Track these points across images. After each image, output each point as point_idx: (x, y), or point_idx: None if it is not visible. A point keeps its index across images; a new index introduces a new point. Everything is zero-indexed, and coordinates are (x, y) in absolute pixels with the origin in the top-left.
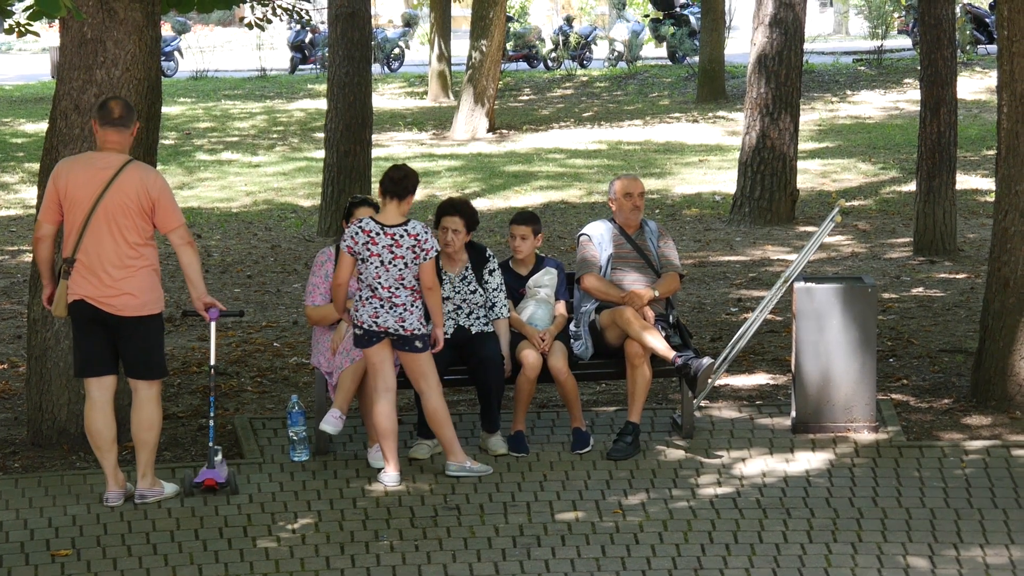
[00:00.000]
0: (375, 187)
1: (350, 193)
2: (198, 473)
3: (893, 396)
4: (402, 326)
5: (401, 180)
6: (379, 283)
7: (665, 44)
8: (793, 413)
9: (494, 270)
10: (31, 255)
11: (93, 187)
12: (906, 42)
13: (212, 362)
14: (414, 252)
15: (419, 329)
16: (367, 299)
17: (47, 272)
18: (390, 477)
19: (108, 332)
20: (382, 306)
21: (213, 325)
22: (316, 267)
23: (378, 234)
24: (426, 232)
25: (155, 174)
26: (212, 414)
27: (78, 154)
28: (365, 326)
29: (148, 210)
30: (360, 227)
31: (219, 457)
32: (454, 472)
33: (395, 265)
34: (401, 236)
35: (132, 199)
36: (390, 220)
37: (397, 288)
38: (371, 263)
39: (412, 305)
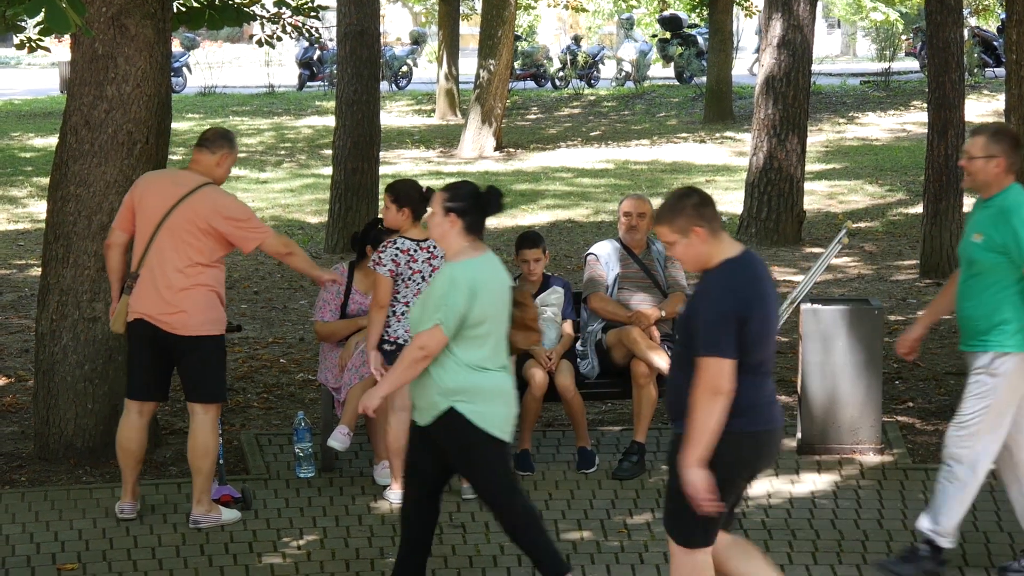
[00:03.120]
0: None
1: (357, 210)
2: (213, 490)
3: (899, 418)
4: None
5: (427, 196)
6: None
7: (673, 64)
8: (799, 434)
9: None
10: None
11: (164, 202)
12: (913, 64)
13: None
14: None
15: None
16: (403, 314)
17: (116, 283)
18: (397, 495)
19: (165, 354)
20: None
21: None
22: (324, 283)
23: (415, 251)
24: None
25: (231, 198)
26: (220, 431)
27: (161, 169)
28: (401, 340)
29: (219, 232)
30: (397, 248)
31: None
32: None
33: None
34: (434, 248)
35: (200, 219)
36: (419, 235)
37: None
38: (414, 280)
39: None
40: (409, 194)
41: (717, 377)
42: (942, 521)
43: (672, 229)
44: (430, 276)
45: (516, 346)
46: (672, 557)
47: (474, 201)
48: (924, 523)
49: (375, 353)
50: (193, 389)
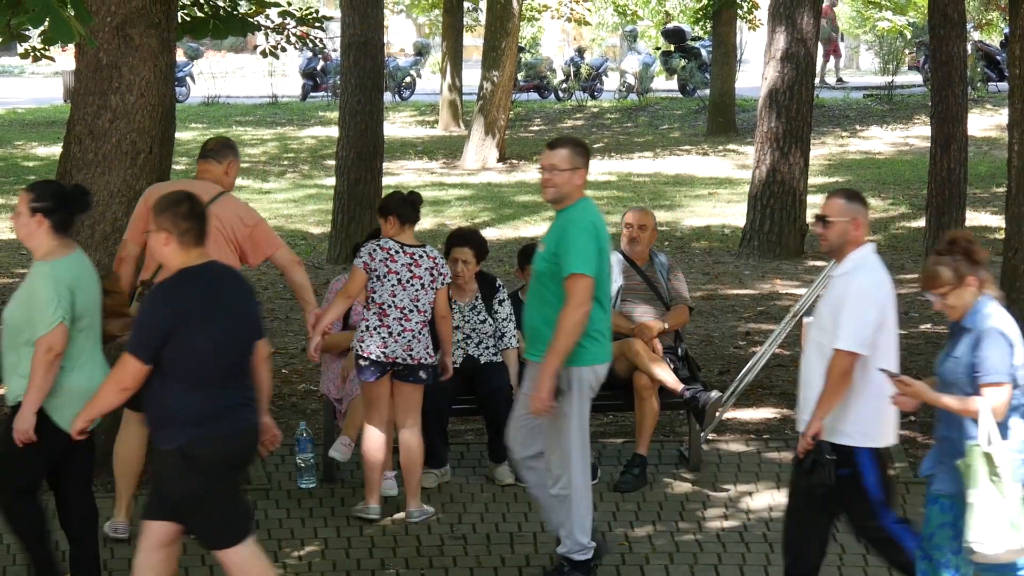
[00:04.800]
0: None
1: (360, 221)
2: None
3: (900, 432)
4: (409, 355)
5: (418, 206)
6: (392, 303)
7: (676, 77)
8: None
9: (504, 300)
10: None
11: None
12: (916, 78)
13: None
14: (432, 275)
15: (425, 359)
16: (375, 328)
17: (127, 288)
18: (373, 510)
19: None
20: (390, 334)
21: None
22: (330, 294)
23: (397, 252)
24: (442, 258)
25: (247, 205)
26: None
27: (172, 180)
28: (373, 356)
29: (240, 239)
30: (379, 244)
31: None
32: (417, 519)
33: (412, 285)
34: (421, 257)
35: (226, 227)
36: (409, 241)
37: (411, 311)
38: (388, 281)
39: (420, 333)
40: (390, 201)
41: (122, 371)
42: None
43: (155, 225)
44: (408, 281)
45: (111, 333)
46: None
47: (60, 200)
48: None
49: (317, 338)
50: None
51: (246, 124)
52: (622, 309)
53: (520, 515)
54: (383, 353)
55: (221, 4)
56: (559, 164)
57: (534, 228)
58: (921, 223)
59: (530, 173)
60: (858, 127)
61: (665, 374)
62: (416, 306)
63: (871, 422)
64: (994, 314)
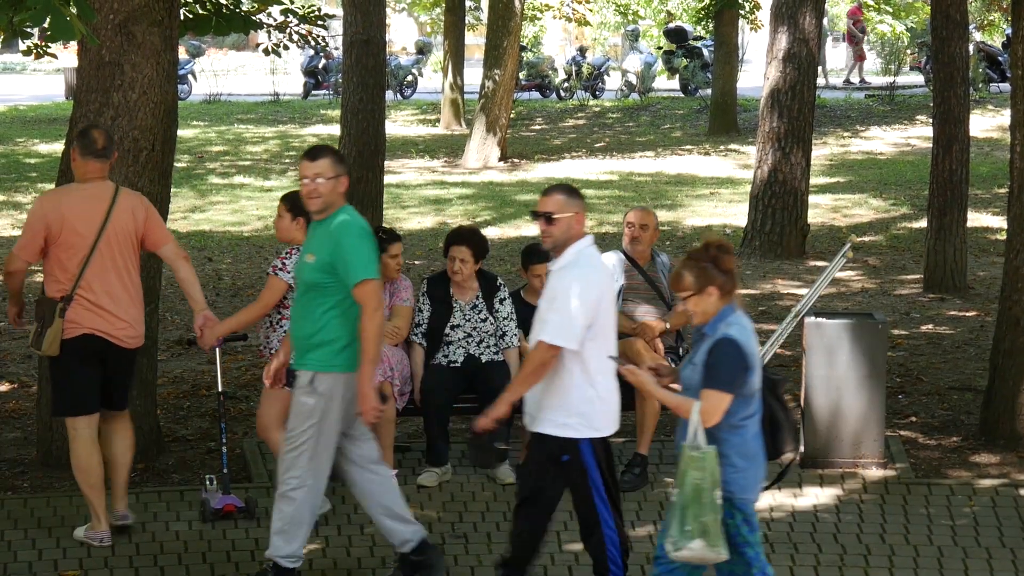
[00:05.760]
0: (387, 215)
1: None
2: (216, 500)
3: (902, 433)
4: None
5: None
6: None
7: (678, 76)
8: (802, 448)
9: (504, 299)
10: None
11: (94, 220)
12: (918, 78)
13: (220, 388)
14: None
15: None
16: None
17: (17, 298)
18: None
19: (103, 367)
20: None
21: (218, 351)
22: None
23: None
24: None
25: (139, 195)
26: (224, 440)
27: (60, 187)
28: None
29: (143, 233)
30: (294, 252)
31: (213, 485)
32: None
33: None
34: None
35: (131, 226)
36: None
37: None
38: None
39: None
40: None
41: None
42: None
43: None
44: None
45: None
46: None
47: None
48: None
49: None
50: (124, 398)
51: (248, 122)
52: (624, 309)
53: None
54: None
55: (224, 2)
56: (324, 172)
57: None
58: (922, 223)
59: (532, 172)
60: (859, 127)
61: None
62: None
63: (591, 413)
64: (734, 324)
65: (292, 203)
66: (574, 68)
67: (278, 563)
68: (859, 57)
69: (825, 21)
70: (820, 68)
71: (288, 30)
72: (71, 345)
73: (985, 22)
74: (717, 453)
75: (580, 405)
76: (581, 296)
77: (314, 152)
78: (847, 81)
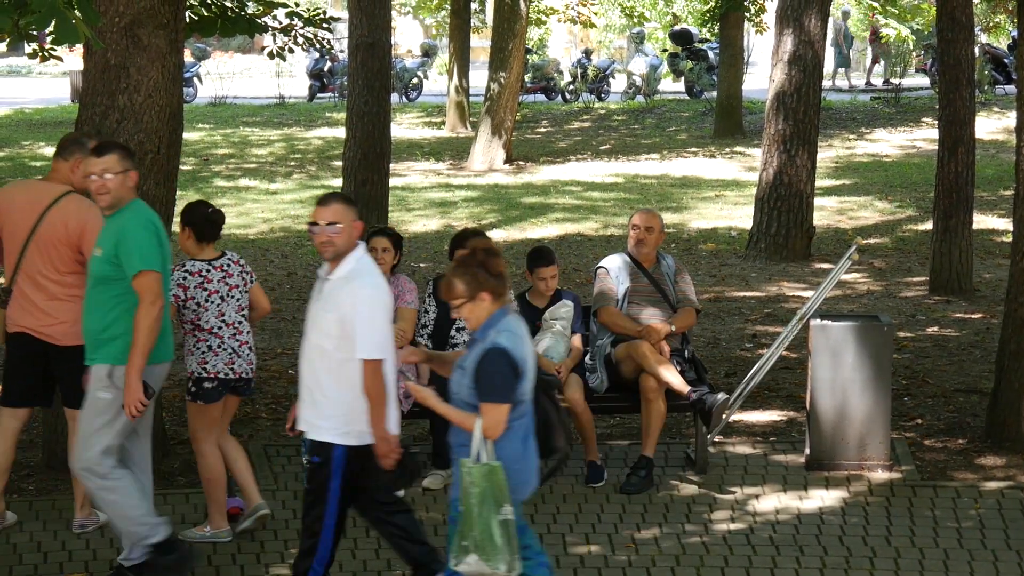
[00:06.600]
0: (392, 217)
1: (367, 222)
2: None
3: (907, 435)
4: (251, 368)
5: (219, 226)
6: (223, 321)
7: (683, 79)
8: (807, 450)
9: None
10: None
11: (30, 215)
12: (924, 81)
13: None
14: (243, 279)
15: (254, 367)
16: (218, 348)
17: None
18: (225, 533)
19: (45, 364)
20: (234, 352)
21: None
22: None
23: (208, 271)
24: (242, 258)
25: (90, 209)
26: None
27: (20, 181)
28: (221, 375)
29: (78, 246)
30: (187, 271)
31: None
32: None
33: (233, 297)
34: (229, 266)
35: (61, 234)
36: (211, 255)
37: (239, 322)
38: (212, 302)
39: (251, 341)
40: (193, 215)
41: None
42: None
43: None
44: (228, 295)
45: None
46: None
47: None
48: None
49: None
50: (76, 397)
51: (253, 125)
52: (629, 311)
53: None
54: (231, 370)
55: (229, 4)
56: (112, 168)
57: (541, 230)
58: (928, 226)
59: (537, 175)
60: (865, 129)
61: (672, 376)
62: (243, 315)
63: (348, 420)
64: (503, 331)
65: (183, 213)
66: (579, 71)
67: (154, 547)
68: (876, 60)
69: (848, 23)
70: (844, 70)
71: (293, 33)
72: (10, 340)
73: (991, 24)
74: (502, 468)
75: (335, 411)
76: (379, 307)
77: (100, 149)
78: (869, 84)
